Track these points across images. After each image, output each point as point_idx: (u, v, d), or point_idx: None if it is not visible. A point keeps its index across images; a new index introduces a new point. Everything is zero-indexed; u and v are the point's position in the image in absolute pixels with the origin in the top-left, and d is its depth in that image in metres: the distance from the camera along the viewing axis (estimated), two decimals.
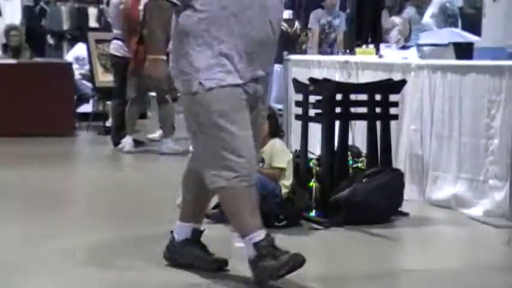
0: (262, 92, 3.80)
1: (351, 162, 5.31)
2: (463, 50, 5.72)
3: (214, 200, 4.91)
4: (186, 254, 3.89)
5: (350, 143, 5.42)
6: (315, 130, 5.34)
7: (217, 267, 3.88)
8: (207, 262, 3.88)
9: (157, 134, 8.74)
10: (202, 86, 3.55)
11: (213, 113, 3.55)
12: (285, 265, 3.49)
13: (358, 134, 5.64)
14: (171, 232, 3.94)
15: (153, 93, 8.63)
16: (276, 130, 5.14)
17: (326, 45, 9.23)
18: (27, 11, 12.05)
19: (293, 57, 7.82)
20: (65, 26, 12.30)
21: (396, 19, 9.69)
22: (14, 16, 11.67)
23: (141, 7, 7.85)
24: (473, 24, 7.53)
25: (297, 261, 3.51)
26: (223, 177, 3.53)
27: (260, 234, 3.59)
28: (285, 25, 9.60)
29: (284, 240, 4.39)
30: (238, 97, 3.59)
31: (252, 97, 3.68)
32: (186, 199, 4.00)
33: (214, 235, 4.63)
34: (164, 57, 3.73)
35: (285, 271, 3.48)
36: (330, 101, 5.25)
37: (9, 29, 10.66)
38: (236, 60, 3.58)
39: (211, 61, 3.57)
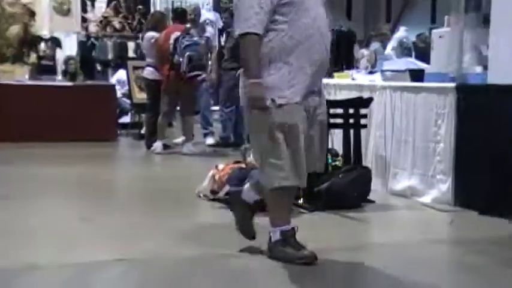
0: (319, 102, 3.63)
1: (330, 161, 5.28)
2: (416, 75, 5.71)
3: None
4: (240, 210, 3.79)
5: (329, 146, 5.41)
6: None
7: (247, 236, 3.78)
8: (244, 229, 3.77)
9: (180, 139, 8.73)
10: (274, 102, 3.40)
11: (280, 126, 3.40)
12: (303, 258, 3.47)
13: (336, 139, 5.61)
14: (243, 186, 3.87)
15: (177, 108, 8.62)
16: None
17: None
18: (81, 44, 12.07)
19: None
20: (110, 56, 12.30)
21: (365, 51, 9.69)
22: (72, 49, 11.70)
23: (171, 41, 7.85)
24: (424, 55, 7.54)
25: (313, 259, 3.48)
26: (281, 177, 3.41)
27: (288, 227, 3.55)
28: None
29: None
30: (301, 113, 3.45)
31: (313, 108, 3.54)
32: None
33: (222, 218, 4.66)
34: (261, 80, 3.42)
35: (301, 262, 3.46)
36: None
37: (67, 59, 10.70)
38: (302, 80, 3.44)
39: (282, 82, 3.43)
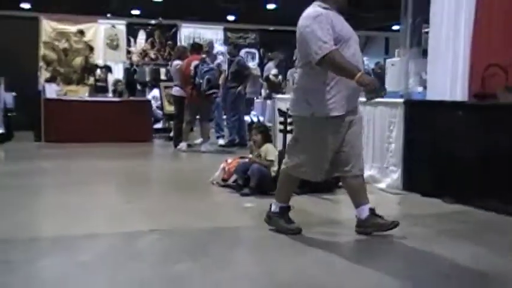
0: (356, 117, 3.39)
1: None
2: None
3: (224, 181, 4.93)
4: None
5: None
6: (289, 138, 5.34)
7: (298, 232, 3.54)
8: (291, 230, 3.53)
9: (199, 140, 8.74)
10: (313, 115, 3.26)
11: (315, 133, 3.28)
12: (292, 230, 3.46)
13: None
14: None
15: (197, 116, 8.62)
16: (268, 138, 5.16)
17: None
18: (126, 70, 12.09)
19: (278, 96, 7.80)
20: (147, 79, 12.30)
21: None
22: (119, 73, 11.76)
23: (191, 67, 7.88)
24: (381, 77, 7.53)
25: (298, 231, 3.47)
26: (301, 171, 3.35)
27: (286, 205, 3.52)
28: (273, 78, 9.58)
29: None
30: (335, 126, 3.26)
31: (348, 123, 3.31)
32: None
33: (231, 200, 4.66)
34: (362, 71, 3.13)
35: (289, 232, 3.45)
36: None
37: (116, 81, 10.73)
38: (339, 100, 3.24)
39: (323, 100, 3.23)
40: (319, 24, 3.17)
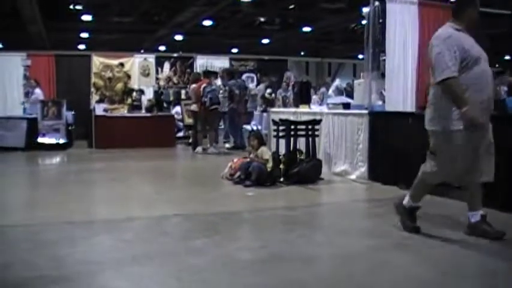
0: (488, 127, 2.85)
1: (298, 155, 5.27)
2: (346, 106, 5.74)
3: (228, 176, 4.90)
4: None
5: (297, 147, 5.37)
6: (282, 142, 5.36)
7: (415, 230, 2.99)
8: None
9: (211, 146, 8.73)
10: (451, 129, 2.74)
11: (453, 144, 2.75)
12: (410, 228, 2.95)
13: (302, 143, 5.61)
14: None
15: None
16: (263, 142, 5.16)
17: (285, 105, 9.16)
18: (155, 92, 12.12)
19: (272, 109, 7.80)
20: (171, 98, 12.31)
21: (317, 92, 9.71)
22: (150, 95, 11.80)
23: (201, 89, 7.92)
24: (350, 94, 7.57)
25: (416, 230, 2.93)
26: (455, 177, 2.86)
27: (417, 204, 3.00)
28: (268, 96, 9.60)
29: (270, 192, 4.46)
30: (469, 137, 2.75)
31: (481, 134, 2.79)
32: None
33: (236, 190, 4.65)
34: (470, 106, 2.67)
35: (407, 230, 2.95)
36: (288, 129, 5.25)
37: (148, 101, 10.75)
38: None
39: (454, 116, 2.74)
40: (447, 47, 2.71)
